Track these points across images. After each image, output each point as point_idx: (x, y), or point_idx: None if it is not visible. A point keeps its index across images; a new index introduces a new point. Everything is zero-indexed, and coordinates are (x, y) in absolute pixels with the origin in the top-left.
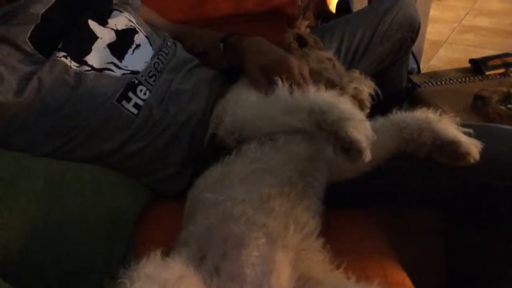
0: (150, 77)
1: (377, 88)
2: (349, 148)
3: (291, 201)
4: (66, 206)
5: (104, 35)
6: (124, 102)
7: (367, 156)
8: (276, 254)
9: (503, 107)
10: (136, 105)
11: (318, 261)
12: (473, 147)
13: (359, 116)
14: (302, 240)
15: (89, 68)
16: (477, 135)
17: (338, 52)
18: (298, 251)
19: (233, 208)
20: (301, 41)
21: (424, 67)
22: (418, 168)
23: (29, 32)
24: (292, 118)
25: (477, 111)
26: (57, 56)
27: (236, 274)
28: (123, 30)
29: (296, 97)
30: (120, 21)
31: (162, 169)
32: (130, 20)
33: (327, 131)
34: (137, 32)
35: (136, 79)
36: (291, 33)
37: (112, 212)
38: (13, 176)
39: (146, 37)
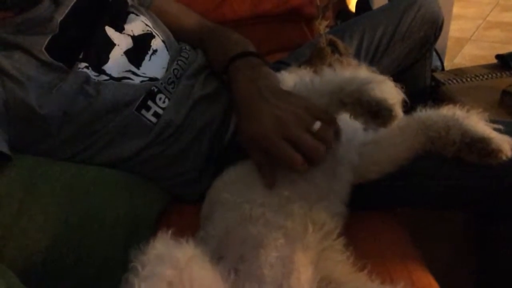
0: (169, 84)
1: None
2: (377, 111)
3: (310, 203)
4: (85, 210)
5: (121, 41)
6: (143, 111)
7: (398, 112)
8: (296, 254)
9: None
10: (155, 114)
11: (341, 262)
12: (505, 143)
13: (379, 77)
14: (322, 239)
15: (108, 78)
16: (507, 131)
17: (358, 50)
18: (318, 251)
19: (251, 210)
20: (333, 47)
21: (448, 65)
22: (444, 168)
23: (46, 42)
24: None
25: (506, 108)
26: (79, 67)
27: (255, 274)
28: (139, 35)
29: (316, 84)
30: (137, 26)
31: (181, 173)
32: (147, 25)
33: (351, 103)
34: (153, 36)
35: (156, 87)
36: (324, 38)
37: (131, 216)
38: (32, 180)
39: (163, 41)
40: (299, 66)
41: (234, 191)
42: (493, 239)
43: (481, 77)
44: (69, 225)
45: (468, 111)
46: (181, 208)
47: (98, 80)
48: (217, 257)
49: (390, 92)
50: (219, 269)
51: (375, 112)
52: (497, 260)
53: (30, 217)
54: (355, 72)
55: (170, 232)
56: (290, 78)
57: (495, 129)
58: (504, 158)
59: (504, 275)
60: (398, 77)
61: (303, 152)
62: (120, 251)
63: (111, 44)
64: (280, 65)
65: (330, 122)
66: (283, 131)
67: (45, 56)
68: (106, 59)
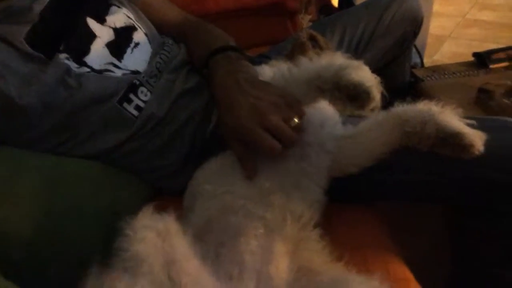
0: (151, 78)
1: (385, 92)
2: (355, 94)
3: (288, 193)
4: (66, 201)
5: (103, 33)
6: (125, 104)
7: (375, 95)
8: (275, 244)
9: (506, 101)
10: (137, 107)
11: (318, 252)
12: (477, 138)
13: (355, 62)
14: (299, 231)
15: (89, 70)
16: (480, 127)
17: (340, 45)
18: (296, 242)
19: (233, 201)
20: (314, 41)
21: (427, 62)
22: (420, 163)
23: (25, 32)
24: (294, 92)
25: (481, 105)
26: (60, 58)
27: (235, 260)
28: (121, 28)
29: (293, 73)
30: (119, 18)
31: (163, 166)
32: (129, 17)
33: (329, 89)
34: (136, 29)
35: (138, 80)
36: (305, 32)
37: (112, 208)
38: (11, 172)
39: (145, 34)
40: (280, 60)
41: (215, 182)
42: (467, 233)
43: (458, 74)
44: (50, 216)
45: (443, 107)
46: (163, 201)
47: (79, 72)
48: (198, 240)
49: (366, 76)
50: (200, 249)
51: (352, 96)
52: (470, 253)
53: (9, 208)
54: (331, 59)
55: (152, 205)
56: (269, 71)
57: (468, 125)
58: (476, 152)
59: (477, 268)
60: (378, 73)
61: (280, 139)
62: (101, 243)
63: (92, 36)
64: (262, 59)
65: (301, 112)
66: (260, 120)
67: (25, 47)
68: (87, 51)
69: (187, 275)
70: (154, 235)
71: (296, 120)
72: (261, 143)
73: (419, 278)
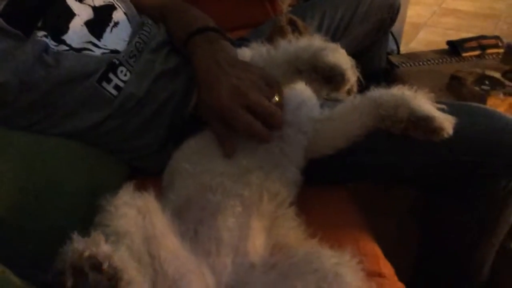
0: (131, 58)
1: (361, 77)
2: (331, 76)
3: (265, 172)
4: (44, 179)
5: (81, 11)
6: (104, 84)
7: (350, 77)
8: (252, 221)
9: (477, 88)
10: (116, 87)
11: (293, 229)
12: (446, 122)
13: (332, 45)
14: (275, 208)
15: (67, 48)
16: (450, 111)
17: (319, 30)
18: (272, 219)
19: (211, 180)
20: (293, 26)
21: (404, 50)
22: (392, 146)
23: (1, 7)
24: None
25: (453, 91)
26: (38, 36)
27: (213, 236)
28: (100, 6)
29: (272, 54)
30: None
31: (142, 146)
32: None
33: (306, 70)
34: (115, 8)
35: (117, 59)
36: (284, 16)
37: (91, 187)
38: None
39: (125, 14)
40: (259, 43)
41: (194, 161)
42: (434, 213)
43: (432, 61)
44: (26, 193)
45: (416, 92)
46: (143, 180)
47: (57, 50)
48: (177, 218)
49: (343, 58)
50: (179, 226)
51: (328, 77)
52: (437, 233)
53: None
54: (309, 41)
55: (133, 183)
56: (248, 52)
57: (439, 109)
58: (445, 135)
59: (442, 250)
60: (355, 58)
61: (261, 119)
62: (80, 222)
63: (70, 14)
64: (242, 42)
65: (280, 92)
66: (241, 99)
67: (1, 23)
68: (65, 29)
69: (166, 251)
70: (135, 212)
71: (276, 98)
72: (241, 123)
73: (387, 257)
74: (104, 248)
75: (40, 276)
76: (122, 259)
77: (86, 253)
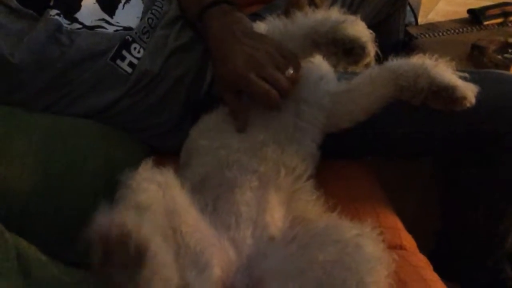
0: (144, 34)
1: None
2: (350, 48)
3: (281, 147)
4: (63, 160)
5: None
6: (118, 61)
7: (370, 50)
8: (269, 195)
9: (499, 57)
10: (130, 64)
11: (311, 202)
12: (469, 91)
13: (351, 17)
14: (293, 182)
15: (80, 26)
16: (473, 80)
17: (334, 3)
18: (290, 193)
19: (228, 156)
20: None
21: (422, 21)
22: (412, 117)
23: None
24: (289, 46)
25: (474, 61)
26: (50, 15)
27: (232, 210)
28: None
29: (289, 27)
30: None
31: (158, 124)
32: None
33: (324, 43)
34: None
35: (130, 36)
36: None
37: (110, 167)
38: (7, 129)
39: None
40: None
41: (210, 137)
42: (456, 185)
43: (452, 31)
44: (47, 175)
45: (436, 60)
46: (160, 159)
47: (70, 29)
48: (195, 195)
49: (363, 31)
50: (197, 202)
51: (348, 50)
52: (458, 205)
53: (7, 166)
54: (327, 13)
55: (151, 160)
56: (264, 26)
57: (461, 78)
58: (468, 105)
59: (464, 222)
60: (372, 30)
61: (276, 89)
62: (100, 202)
63: None
64: (255, 17)
65: (298, 65)
66: (256, 69)
67: (14, 3)
68: (78, 7)
69: (188, 225)
70: (155, 187)
71: (291, 71)
72: (257, 91)
73: (408, 230)
74: (132, 218)
75: (65, 253)
76: (149, 230)
77: (115, 223)
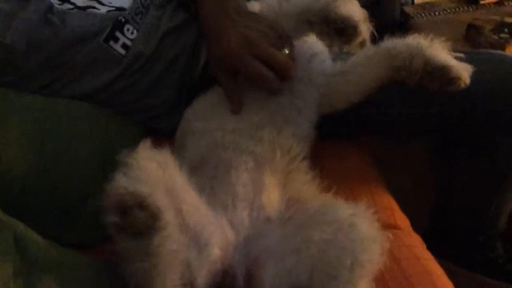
0: (137, 15)
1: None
2: (342, 28)
3: (277, 127)
4: (59, 142)
5: None
6: (111, 43)
7: (362, 29)
8: (265, 176)
9: (495, 37)
10: (124, 45)
11: (307, 183)
12: (464, 71)
13: None
14: (289, 163)
15: (72, 7)
16: (468, 60)
17: None
18: (286, 173)
19: (223, 138)
20: None
21: (418, 1)
22: (408, 97)
23: None
24: (283, 25)
25: (470, 41)
26: None
27: (229, 191)
28: None
29: (283, 6)
30: None
31: (153, 106)
32: None
33: (318, 23)
34: None
35: (123, 17)
36: None
37: (105, 148)
38: (1, 111)
39: None
40: None
41: (205, 119)
42: (451, 164)
43: (448, 10)
44: (43, 156)
45: (432, 41)
46: (156, 141)
47: (62, 9)
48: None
49: (355, 10)
50: (195, 183)
51: (340, 30)
52: (454, 184)
53: (1, 147)
54: None
55: (149, 140)
56: (258, 5)
57: (456, 58)
58: (463, 85)
59: (459, 201)
60: (367, 10)
61: (272, 69)
62: (96, 184)
63: None
64: None
65: (292, 45)
66: (251, 49)
67: None
68: None
69: (187, 204)
70: (155, 166)
71: (286, 51)
72: (251, 71)
73: (403, 209)
74: (146, 186)
75: (62, 235)
76: (162, 200)
77: (131, 189)
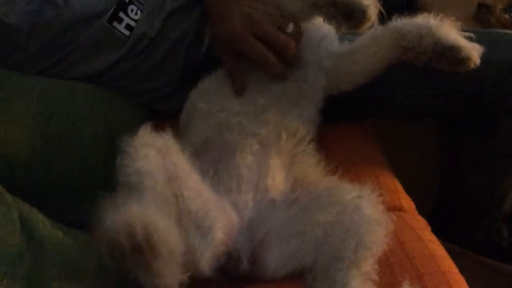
0: None
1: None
2: (350, 12)
3: (283, 110)
4: (62, 124)
5: None
6: (115, 24)
7: (371, 14)
8: (270, 158)
9: (506, 16)
10: (128, 26)
11: (312, 165)
12: (474, 51)
13: None
14: (294, 146)
15: None
16: (478, 40)
17: None
18: (291, 156)
19: (228, 120)
20: None
21: None
22: (415, 78)
23: None
24: (289, 8)
25: (480, 21)
26: None
27: (233, 174)
28: None
29: None
30: None
31: (157, 87)
32: None
33: (325, 6)
34: None
35: None
36: None
37: (109, 131)
38: (4, 93)
39: None
40: None
41: (210, 100)
42: (457, 147)
43: None
44: (47, 138)
45: (441, 20)
46: (160, 123)
47: None
48: (197, 159)
49: None
50: (198, 166)
51: (348, 13)
52: (459, 167)
53: (5, 129)
54: None
55: (150, 124)
56: None
57: (466, 38)
58: (472, 66)
59: (464, 184)
60: None
61: (275, 52)
62: (100, 166)
63: None
64: None
65: (297, 26)
66: (254, 29)
67: None
68: None
69: (189, 190)
70: (155, 152)
71: (290, 27)
72: (255, 54)
73: (408, 192)
74: (134, 208)
75: (67, 216)
76: (152, 214)
77: (120, 223)
